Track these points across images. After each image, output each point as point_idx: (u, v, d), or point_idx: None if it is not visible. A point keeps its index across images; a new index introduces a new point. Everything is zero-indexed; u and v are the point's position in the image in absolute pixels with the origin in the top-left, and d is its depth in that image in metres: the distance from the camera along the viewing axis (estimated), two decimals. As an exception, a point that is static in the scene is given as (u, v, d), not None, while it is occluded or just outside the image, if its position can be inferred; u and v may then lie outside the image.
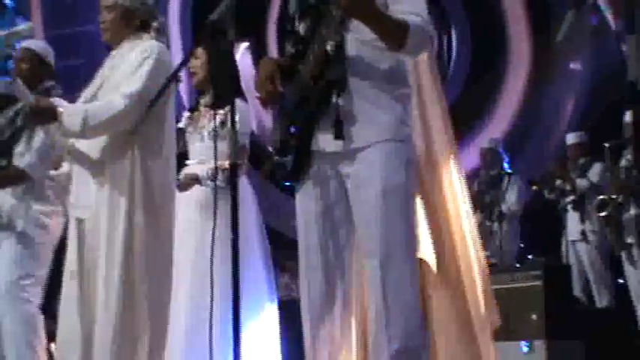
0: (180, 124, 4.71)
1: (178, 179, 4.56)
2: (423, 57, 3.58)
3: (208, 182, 4.46)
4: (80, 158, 3.71)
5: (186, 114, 4.78)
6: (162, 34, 3.91)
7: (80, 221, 3.67)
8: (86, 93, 3.77)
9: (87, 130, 3.55)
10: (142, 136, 3.61)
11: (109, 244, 3.55)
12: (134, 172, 3.61)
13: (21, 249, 4.55)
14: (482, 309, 3.65)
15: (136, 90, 3.58)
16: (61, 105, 3.65)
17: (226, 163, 4.08)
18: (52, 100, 3.74)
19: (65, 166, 4.02)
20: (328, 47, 2.91)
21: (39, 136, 4.53)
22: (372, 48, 2.96)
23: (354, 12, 2.81)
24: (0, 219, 4.55)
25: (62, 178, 4.10)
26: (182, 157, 4.69)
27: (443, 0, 10.86)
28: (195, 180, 4.52)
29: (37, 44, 4.85)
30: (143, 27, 3.83)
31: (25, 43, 4.56)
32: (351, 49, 2.95)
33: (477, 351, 3.63)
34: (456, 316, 3.60)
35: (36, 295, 4.59)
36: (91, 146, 3.66)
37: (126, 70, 3.67)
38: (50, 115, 3.58)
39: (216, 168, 4.14)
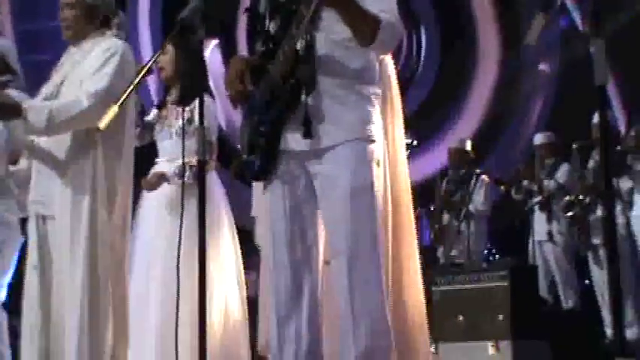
0: (148, 118, 4.69)
1: (146, 178, 4.54)
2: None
3: (176, 180, 4.45)
4: (41, 155, 3.71)
5: (154, 111, 4.75)
6: (122, 29, 3.91)
7: (41, 217, 3.68)
8: (46, 89, 3.76)
9: (51, 128, 3.56)
10: (103, 134, 3.57)
11: (73, 241, 3.56)
12: (96, 170, 3.62)
13: None
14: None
15: (101, 88, 3.59)
16: (25, 101, 3.64)
17: (194, 160, 4.08)
18: (12, 94, 3.70)
19: (22, 162, 3.99)
20: (298, 46, 2.91)
21: None
22: (342, 47, 2.97)
23: (331, 3, 2.81)
24: None
25: (20, 174, 4.07)
26: (150, 150, 4.68)
27: (412, 0, 10.90)
28: (162, 178, 4.51)
29: None
30: (104, 23, 3.83)
31: None
32: (321, 48, 2.95)
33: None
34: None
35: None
36: (53, 144, 3.66)
37: (89, 67, 3.67)
38: (14, 112, 3.58)
39: (183, 165, 4.13)
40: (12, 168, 4.22)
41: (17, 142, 3.87)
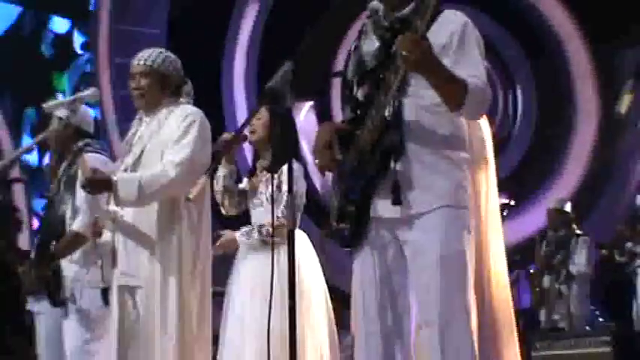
0: (242, 185, 4.74)
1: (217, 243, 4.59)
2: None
3: (244, 239, 4.52)
4: (128, 228, 3.79)
5: (245, 179, 4.81)
6: (191, 97, 4.00)
7: (128, 289, 3.76)
8: (127, 160, 3.85)
9: (142, 199, 3.66)
10: (188, 204, 3.73)
11: (163, 312, 3.63)
12: (182, 241, 3.72)
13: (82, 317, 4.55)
14: None
15: (185, 158, 3.69)
16: (115, 174, 3.75)
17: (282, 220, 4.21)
18: (89, 157, 3.87)
19: (106, 235, 4.06)
20: (386, 113, 2.89)
21: (80, 198, 4.54)
22: (431, 113, 2.94)
23: (420, 66, 2.77)
24: (64, 292, 4.56)
25: (105, 247, 4.14)
26: (244, 216, 4.72)
27: (507, 59, 10.81)
28: (232, 242, 4.56)
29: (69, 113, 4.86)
30: (175, 91, 3.92)
31: (57, 112, 4.56)
32: (409, 114, 2.92)
33: None
34: None
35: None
36: (139, 217, 3.76)
37: (170, 136, 3.76)
38: (106, 186, 3.70)
39: (273, 229, 4.17)
40: (98, 241, 4.28)
41: (100, 213, 3.97)
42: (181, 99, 3.93)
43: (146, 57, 3.89)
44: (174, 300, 3.63)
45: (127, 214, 3.79)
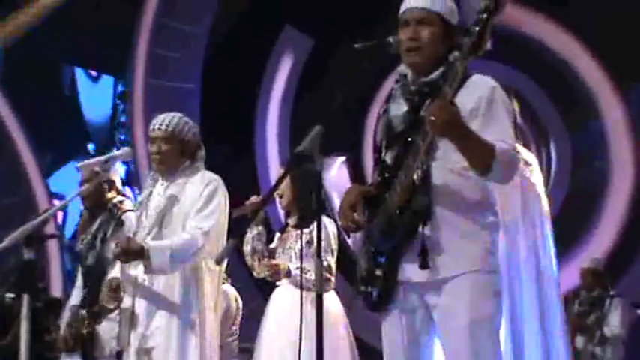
0: (272, 245, 4.80)
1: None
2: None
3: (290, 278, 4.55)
4: (149, 293, 3.88)
5: (277, 235, 4.86)
6: (204, 161, 4.09)
7: (144, 351, 3.84)
8: (145, 222, 3.95)
9: (174, 267, 3.78)
10: (201, 272, 3.86)
11: None
12: (199, 305, 3.83)
13: None
14: None
15: (211, 226, 3.83)
16: (146, 243, 3.84)
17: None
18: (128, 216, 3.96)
19: (127, 300, 4.08)
20: (414, 177, 2.89)
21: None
22: (459, 177, 2.94)
23: (447, 131, 2.77)
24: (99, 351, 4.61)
25: (125, 312, 4.17)
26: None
27: (540, 114, 10.78)
28: (285, 272, 4.61)
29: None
30: (193, 156, 4.01)
31: (84, 165, 4.64)
32: (437, 178, 2.92)
33: None
34: None
35: None
36: (161, 283, 3.86)
37: (192, 203, 3.86)
38: (139, 254, 3.80)
39: (301, 286, 4.20)
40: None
41: (125, 278, 4.03)
42: (198, 164, 4.02)
43: (167, 122, 3.97)
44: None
45: (149, 277, 3.87)
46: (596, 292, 7.89)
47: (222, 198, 3.89)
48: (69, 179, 10.52)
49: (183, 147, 3.95)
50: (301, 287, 4.10)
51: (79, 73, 11.84)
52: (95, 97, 11.87)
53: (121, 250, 3.79)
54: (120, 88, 11.97)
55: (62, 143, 11.32)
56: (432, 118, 2.72)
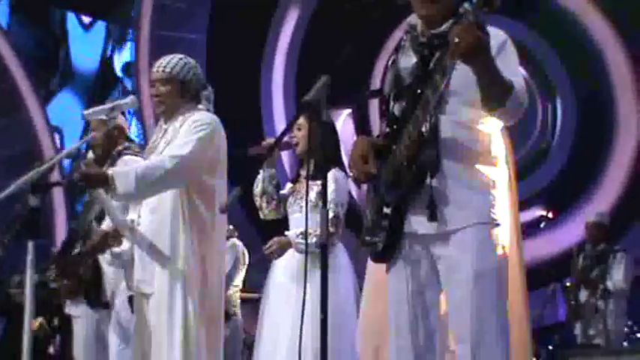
0: (284, 191, 4.75)
1: (270, 247, 4.57)
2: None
3: (299, 246, 4.46)
4: (141, 239, 3.85)
5: (288, 184, 4.82)
6: (210, 102, 4.02)
7: (143, 296, 3.85)
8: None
9: (140, 191, 3.67)
10: (196, 221, 3.77)
11: (169, 326, 3.73)
12: (188, 258, 3.77)
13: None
14: None
15: (184, 153, 3.72)
16: (110, 169, 3.81)
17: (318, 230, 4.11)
18: (128, 159, 3.99)
19: (125, 244, 4.11)
20: (423, 129, 2.87)
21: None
22: (467, 130, 2.92)
23: (470, 55, 2.66)
24: (104, 295, 4.63)
25: (124, 257, 4.19)
26: (284, 223, 4.72)
27: (548, 69, 10.72)
28: (287, 244, 4.53)
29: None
30: (195, 96, 3.94)
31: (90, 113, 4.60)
32: (446, 130, 2.90)
33: None
34: None
35: None
36: (152, 228, 3.82)
37: (179, 140, 3.81)
38: (101, 180, 3.69)
39: (306, 231, 4.16)
40: (116, 250, 4.31)
41: (119, 223, 4.02)
42: (200, 105, 3.95)
43: (165, 64, 3.92)
44: (179, 314, 3.72)
45: (143, 224, 3.84)
46: (601, 247, 7.89)
47: (209, 133, 3.79)
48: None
49: (183, 88, 3.90)
50: (306, 244, 4.06)
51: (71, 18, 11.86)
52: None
53: (80, 176, 3.69)
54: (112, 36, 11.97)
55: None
56: (456, 40, 2.63)
